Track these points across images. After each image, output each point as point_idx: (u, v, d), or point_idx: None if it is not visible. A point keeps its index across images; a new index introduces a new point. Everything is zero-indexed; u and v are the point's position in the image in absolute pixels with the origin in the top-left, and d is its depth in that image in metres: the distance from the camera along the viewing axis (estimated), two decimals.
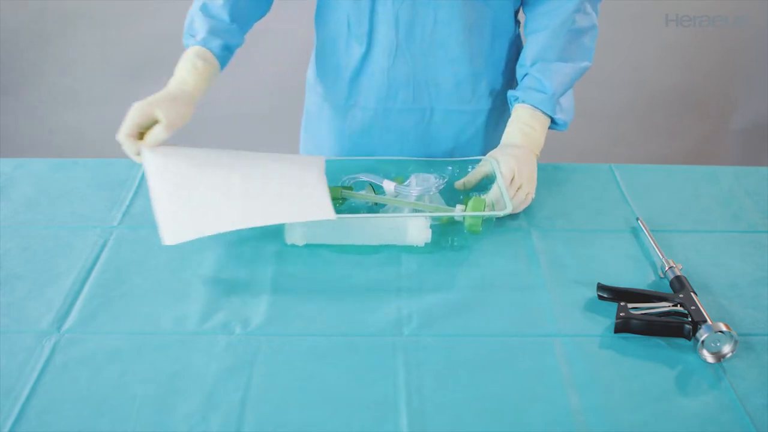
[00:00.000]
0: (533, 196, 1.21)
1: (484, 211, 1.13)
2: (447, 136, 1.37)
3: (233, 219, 1.06)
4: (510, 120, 1.28)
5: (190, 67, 1.19)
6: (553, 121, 1.28)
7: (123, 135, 1.10)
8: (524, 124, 1.25)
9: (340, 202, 1.19)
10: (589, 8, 1.26)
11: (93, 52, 2.47)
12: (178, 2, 2.47)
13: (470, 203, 1.14)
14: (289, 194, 1.11)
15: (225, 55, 1.25)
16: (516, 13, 1.33)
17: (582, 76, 1.30)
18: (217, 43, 1.22)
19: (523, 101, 1.27)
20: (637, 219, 1.19)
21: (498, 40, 1.31)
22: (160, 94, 1.13)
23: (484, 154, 1.34)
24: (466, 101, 1.34)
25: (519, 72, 1.30)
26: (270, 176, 1.14)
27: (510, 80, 1.37)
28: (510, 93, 1.30)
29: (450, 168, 1.28)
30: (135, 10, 2.39)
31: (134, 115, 1.09)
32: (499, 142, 1.31)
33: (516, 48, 1.36)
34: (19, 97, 2.55)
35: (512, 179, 1.18)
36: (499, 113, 1.38)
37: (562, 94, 1.27)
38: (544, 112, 1.26)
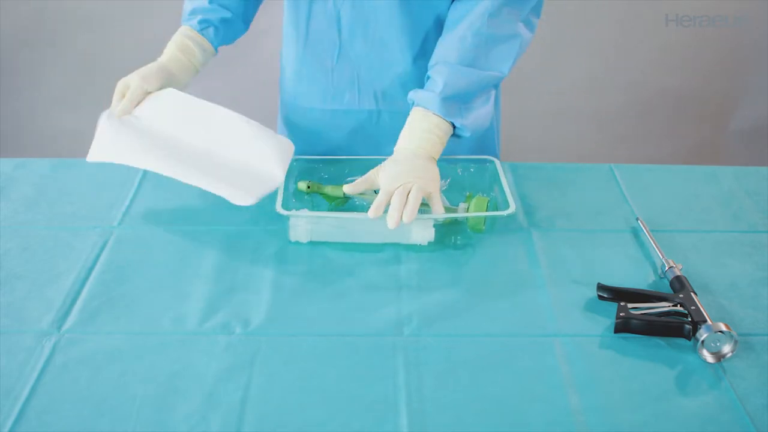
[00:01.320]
0: (435, 193, 1.10)
1: (486, 210, 1.13)
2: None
3: (164, 164, 1.15)
4: None
5: (171, 49, 1.29)
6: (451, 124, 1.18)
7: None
8: (408, 126, 1.18)
9: (344, 201, 1.19)
10: (513, 17, 1.18)
11: (93, 53, 2.47)
12: (178, 2, 2.47)
13: (473, 203, 1.14)
14: (233, 171, 1.16)
15: (210, 31, 1.30)
16: None
17: (490, 86, 1.21)
18: (197, 19, 1.29)
19: (411, 101, 1.20)
20: (637, 219, 1.19)
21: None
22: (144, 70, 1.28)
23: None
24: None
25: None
26: (224, 144, 1.20)
27: None
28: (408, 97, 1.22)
29: (453, 167, 1.28)
30: (135, 11, 2.39)
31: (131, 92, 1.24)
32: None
33: None
34: (20, 97, 2.55)
35: (394, 190, 1.09)
36: None
37: (457, 96, 1.17)
38: (434, 112, 1.16)
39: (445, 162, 1.30)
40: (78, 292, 1.03)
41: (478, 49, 1.17)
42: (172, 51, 1.29)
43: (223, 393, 0.87)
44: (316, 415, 0.84)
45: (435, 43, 1.25)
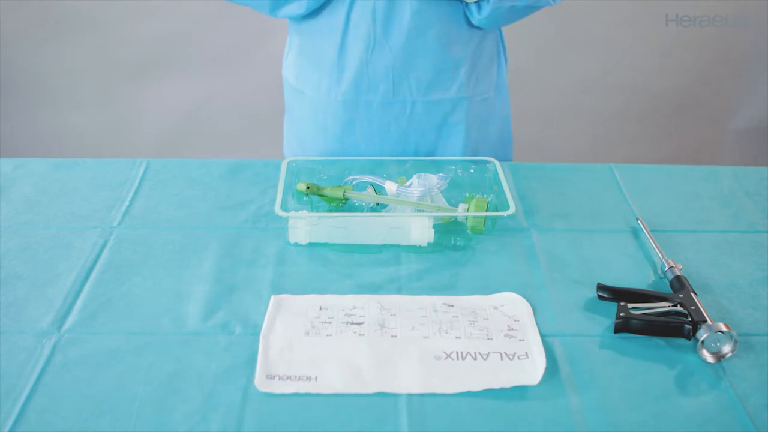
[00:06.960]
0: None
1: (486, 211, 1.13)
2: (429, 128, 1.37)
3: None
4: None
5: None
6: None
7: None
8: None
9: (343, 202, 1.19)
10: None
11: (93, 53, 2.47)
12: (178, 2, 2.47)
13: (473, 203, 1.14)
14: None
15: None
16: None
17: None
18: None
19: None
20: (637, 219, 1.19)
21: (474, 25, 1.30)
22: None
23: (468, 145, 1.32)
24: (446, 90, 1.34)
25: None
26: None
27: (489, 65, 1.37)
28: None
29: (453, 167, 1.28)
30: (135, 10, 2.39)
31: None
32: (483, 132, 1.30)
33: (494, 31, 1.36)
34: (19, 98, 2.55)
35: None
36: (481, 101, 1.38)
37: None
38: None
39: (445, 162, 1.30)
40: (78, 292, 1.03)
41: None
42: None
43: (223, 393, 0.87)
44: (316, 415, 0.84)
45: (467, 28, 1.28)
